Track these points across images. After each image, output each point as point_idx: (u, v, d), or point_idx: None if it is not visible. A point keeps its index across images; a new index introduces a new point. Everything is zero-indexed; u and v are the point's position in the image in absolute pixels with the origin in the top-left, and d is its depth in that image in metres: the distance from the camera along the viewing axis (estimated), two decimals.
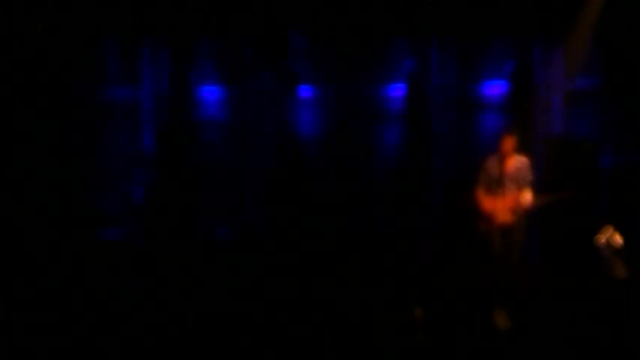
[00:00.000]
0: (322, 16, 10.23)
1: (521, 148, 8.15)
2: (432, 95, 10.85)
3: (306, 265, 9.20)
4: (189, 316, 7.71)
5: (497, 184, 7.90)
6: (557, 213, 9.09)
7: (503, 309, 7.54)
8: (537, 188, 8.10)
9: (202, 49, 11.04)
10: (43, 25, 9.78)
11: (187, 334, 7.22)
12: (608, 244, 8.08)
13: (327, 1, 10.19)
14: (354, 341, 6.93)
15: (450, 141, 10.85)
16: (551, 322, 7.37)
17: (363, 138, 10.54)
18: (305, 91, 10.90)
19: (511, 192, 7.85)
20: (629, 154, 9.65)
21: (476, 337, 7.13)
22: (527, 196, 7.86)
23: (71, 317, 7.57)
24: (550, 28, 10.27)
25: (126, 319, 7.64)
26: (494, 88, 10.85)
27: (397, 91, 11.01)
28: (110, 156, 10.66)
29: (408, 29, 10.61)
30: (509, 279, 7.90)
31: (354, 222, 10.07)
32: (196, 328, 7.39)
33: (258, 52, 10.53)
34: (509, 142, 7.91)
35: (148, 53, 11.16)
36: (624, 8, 9.63)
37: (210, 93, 11.29)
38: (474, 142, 10.60)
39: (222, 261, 9.45)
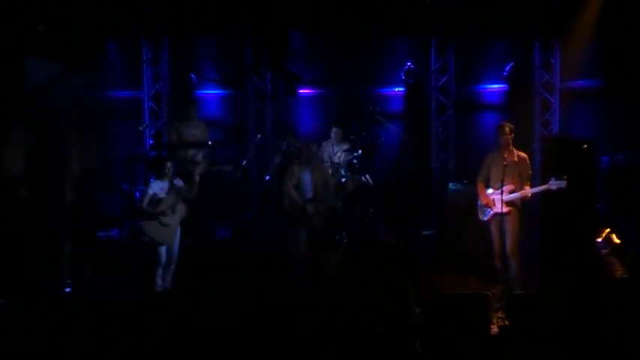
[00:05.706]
0: (322, 17, 10.25)
1: (520, 145, 8.28)
2: (432, 95, 10.88)
3: (306, 265, 9.19)
4: (189, 317, 7.73)
5: (495, 177, 8.03)
6: (557, 213, 9.11)
7: (501, 309, 7.55)
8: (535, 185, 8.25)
9: (202, 49, 11.08)
10: (45, 26, 9.81)
11: (187, 334, 7.24)
12: (607, 243, 8.09)
13: (327, 2, 10.21)
14: (353, 341, 6.94)
15: (449, 141, 10.89)
16: (550, 322, 7.36)
17: (364, 138, 10.56)
18: (305, 91, 10.94)
19: (507, 184, 7.96)
20: (628, 154, 9.64)
21: (474, 337, 7.13)
22: (525, 189, 8.00)
23: (71, 317, 7.59)
24: (549, 28, 10.29)
25: (126, 318, 7.66)
26: (494, 89, 10.90)
27: (397, 91, 11.06)
28: (111, 156, 10.70)
29: (408, 30, 10.65)
30: (505, 267, 8.14)
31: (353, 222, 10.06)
32: (196, 328, 7.40)
33: (258, 52, 10.55)
34: (506, 134, 8.03)
35: (148, 54, 11.22)
36: (624, 8, 9.63)
37: (211, 93, 11.36)
38: (473, 142, 10.62)
39: (222, 261, 9.44)
